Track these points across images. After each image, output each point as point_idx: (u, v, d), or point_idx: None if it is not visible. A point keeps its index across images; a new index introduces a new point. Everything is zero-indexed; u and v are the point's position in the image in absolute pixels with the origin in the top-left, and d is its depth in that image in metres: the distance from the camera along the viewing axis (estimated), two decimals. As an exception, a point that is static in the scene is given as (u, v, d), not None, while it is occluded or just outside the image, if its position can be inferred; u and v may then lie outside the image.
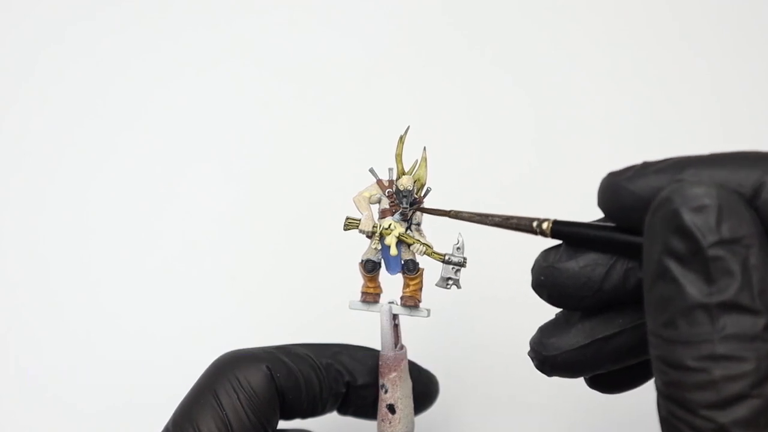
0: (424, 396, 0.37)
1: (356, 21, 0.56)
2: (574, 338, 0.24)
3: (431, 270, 0.33)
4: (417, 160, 0.32)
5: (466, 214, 0.29)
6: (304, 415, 0.33)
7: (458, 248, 0.32)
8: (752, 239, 0.19)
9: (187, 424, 0.29)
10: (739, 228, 0.19)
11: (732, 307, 0.18)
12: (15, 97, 0.55)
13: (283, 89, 0.54)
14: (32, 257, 0.51)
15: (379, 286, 0.34)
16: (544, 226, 0.25)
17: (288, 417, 0.33)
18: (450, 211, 0.30)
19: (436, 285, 0.33)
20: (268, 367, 0.31)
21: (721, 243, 0.19)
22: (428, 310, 0.33)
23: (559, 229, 0.24)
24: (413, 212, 0.33)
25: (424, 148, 0.32)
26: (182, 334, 0.48)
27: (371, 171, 0.33)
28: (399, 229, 0.32)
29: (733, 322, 0.18)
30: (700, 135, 0.51)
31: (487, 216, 0.27)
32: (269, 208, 0.51)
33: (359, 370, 0.34)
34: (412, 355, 0.35)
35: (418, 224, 0.33)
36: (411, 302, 0.33)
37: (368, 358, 0.34)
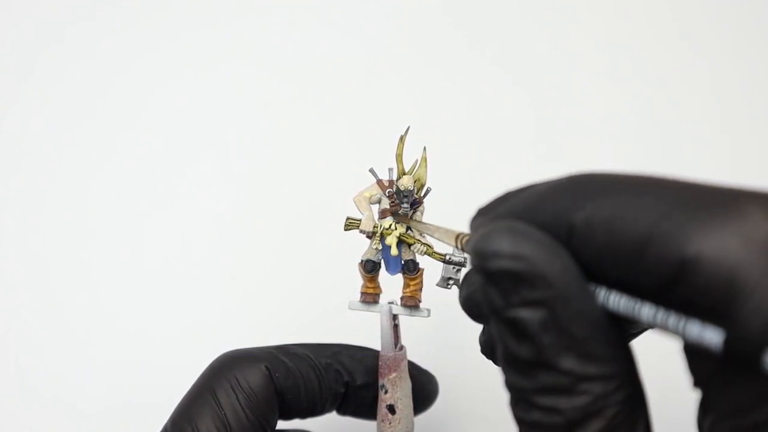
0: (424, 396, 0.36)
1: (356, 21, 0.56)
2: None
3: (431, 270, 0.33)
4: (417, 160, 0.32)
5: (422, 226, 0.30)
6: (303, 415, 0.33)
7: (458, 248, 0.32)
8: (554, 297, 0.18)
9: (185, 424, 0.29)
10: (536, 289, 0.18)
11: (540, 364, 0.18)
12: (15, 97, 0.55)
13: (283, 89, 0.54)
14: (32, 257, 0.51)
15: (378, 287, 0.34)
16: (464, 240, 0.25)
17: (287, 417, 0.33)
18: (411, 219, 0.32)
19: (437, 285, 0.33)
20: (267, 366, 0.31)
21: (515, 306, 0.18)
22: (428, 311, 0.33)
23: (467, 247, 0.25)
24: (413, 212, 0.33)
25: (424, 148, 0.32)
26: (182, 334, 0.48)
27: (371, 171, 0.33)
28: (400, 229, 0.32)
29: (544, 377, 0.18)
30: (700, 135, 0.51)
31: (436, 229, 0.28)
32: (269, 208, 0.51)
33: (358, 370, 0.34)
34: (412, 356, 0.35)
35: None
36: (411, 302, 0.33)
37: (367, 358, 0.34)
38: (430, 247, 0.32)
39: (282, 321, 0.48)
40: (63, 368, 0.48)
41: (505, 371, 0.19)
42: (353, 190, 0.33)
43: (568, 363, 0.18)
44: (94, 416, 0.46)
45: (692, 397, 0.19)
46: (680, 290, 0.16)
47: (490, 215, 0.22)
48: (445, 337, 0.46)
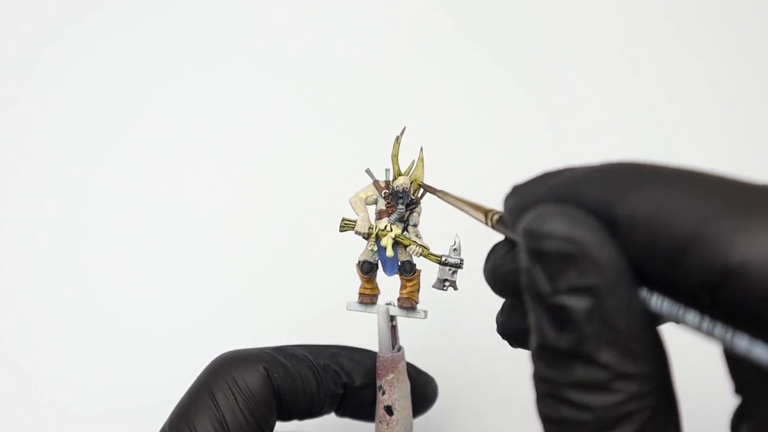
0: (424, 398, 0.36)
1: (356, 21, 0.56)
2: (521, 321, 0.24)
3: (429, 271, 0.33)
4: (414, 161, 0.32)
5: (450, 197, 0.29)
6: (302, 416, 0.33)
7: (455, 250, 0.32)
8: (603, 286, 0.17)
9: (183, 425, 0.29)
10: (586, 275, 0.17)
11: (577, 355, 0.18)
12: (15, 97, 0.55)
13: (283, 90, 0.54)
14: (30, 259, 0.51)
15: (376, 287, 0.34)
16: (495, 218, 0.24)
17: (285, 418, 0.33)
18: (439, 190, 0.31)
19: (433, 286, 0.32)
20: (265, 367, 0.31)
21: (562, 292, 0.18)
22: (425, 312, 0.33)
23: (497, 225, 0.24)
24: (410, 213, 0.32)
25: (421, 149, 0.32)
26: (180, 334, 0.48)
27: (368, 172, 0.33)
28: (396, 230, 0.32)
29: (580, 370, 0.18)
30: (702, 134, 0.51)
31: (465, 203, 0.27)
32: (269, 208, 0.51)
33: (357, 371, 0.34)
34: (411, 357, 0.35)
35: (415, 225, 0.33)
36: (407, 304, 0.33)
37: (366, 359, 0.34)
38: (425, 248, 0.32)
39: (281, 321, 0.48)
40: (62, 369, 0.48)
41: (537, 362, 0.19)
42: (352, 190, 0.33)
43: (608, 357, 0.17)
44: (93, 417, 0.46)
45: (719, 402, 0.19)
46: (724, 297, 0.16)
47: (526, 195, 0.21)
48: (444, 338, 0.46)
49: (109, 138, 0.54)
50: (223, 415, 0.29)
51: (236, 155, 0.53)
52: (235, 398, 0.30)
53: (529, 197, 0.21)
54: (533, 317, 0.19)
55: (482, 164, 0.51)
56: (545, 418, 0.19)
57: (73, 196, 0.52)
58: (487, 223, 0.25)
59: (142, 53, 0.56)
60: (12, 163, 0.54)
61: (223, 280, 0.50)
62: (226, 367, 0.31)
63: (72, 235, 0.51)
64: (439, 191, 0.31)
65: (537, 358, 0.19)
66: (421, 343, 0.45)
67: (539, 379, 0.19)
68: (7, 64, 0.56)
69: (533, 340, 0.19)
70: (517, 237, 0.20)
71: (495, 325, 0.26)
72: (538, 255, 0.18)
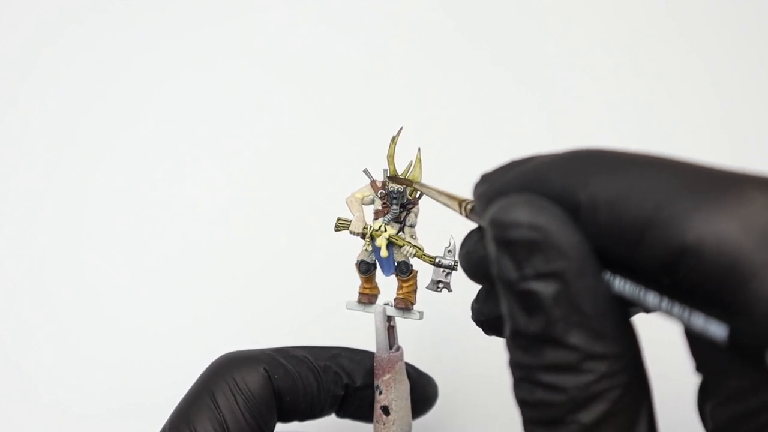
0: (424, 399, 0.36)
1: (356, 21, 0.56)
2: (494, 307, 0.24)
3: (427, 272, 0.33)
4: (412, 161, 0.32)
5: (426, 188, 0.30)
6: (302, 418, 0.33)
7: (449, 251, 0.32)
8: (568, 270, 0.18)
9: (183, 426, 0.29)
10: (551, 260, 0.18)
11: (548, 339, 0.18)
12: (15, 97, 0.55)
13: (283, 90, 0.54)
14: (30, 259, 0.51)
15: (375, 287, 0.34)
16: (468, 207, 0.25)
17: (286, 419, 0.33)
18: (414, 181, 0.31)
19: (427, 288, 0.32)
20: (265, 369, 0.31)
21: (529, 278, 0.18)
22: (420, 313, 0.33)
23: (471, 214, 0.25)
24: (406, 214, 0.32)
25: (419, 149, 0.32)
26: (180, 335, 0.48)
27: (365, 172, 0.33)
28: (390, 230, 0.32)
29: (551, 353, 0.18)
30: (702, 134, 0.51)
31: (440, 193, 0.28)
32: (269, 208, 0.51)
33: (358, 372, 0.34)
34: (412, 358, 0.35)
35: (412, 226, 0.33)
36: (402, 304, 0.33)
37: (367, 360, 0.34)
38: (419, 249, 0.32)
39: (281, 321, 0.48)
40: (62, 369, 0.48)
41: (511, 349, 0.19)
42: (352, 190, 0.33)
43: (576, 339, 0.18)
44: (93, 417, 0.46)
45: (691, 382, 0.19)
46: (681, 276, 0.16)
47: (494, 183, 0.22)
48: (444, 338, 0.46)
49: (109, 138, 0.54)
50: (223, 416, 0.29)
51: (236, 155, 0.53)
52: (236, 399, 0.30)
53: (497, 184, 0.21)
54: (505, 305, 0.19)
55: (482, 164, 0.51)
56: (522, 402, 0.19)
57: (73, 196, 0.52)
58: (461, 213, 0.26)
59: (142, 53, 0.56)
60: (12, 163, 0.54)
61: (223, 280, 0.50)
62: (227, 368, 0.31)
63: (72, 235, 0.51)
64: (414, 182, 0.31)
65: (511, 345, 0.19)
66: (421, 344, 0.45)
67: (514, 365, 0.19)
68: (7, 64, 0.56)
69: (506, 327, 0.19)
70: (486, 234, 0.20)
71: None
72: (505, 244, 0.19)
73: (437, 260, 0.32)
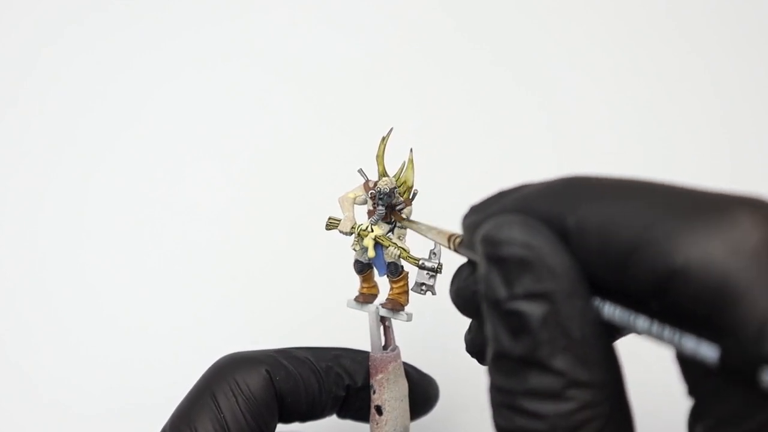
0: (425, 399, 0.36)
1: (356, 21, 0.55)
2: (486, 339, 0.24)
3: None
4: (404, 162, 0.32)
5: (415, 226, 0.30)
6: (304, 419, 0.33)
7: (434, 254, 0.32)
8: (558, 292, 0.18)
9: (184, 427, 0.29)
10: (542, 280, 0.18)
11: (532, 362, 0.18)
12: (15, 97, 0.55)
13: (283, 90, 0.54)
14: (30, 259, 0.51)
15: (374, 287, 0.34)
16: (456, 241, 0.25)
17: (287, 420, 0.33)
18: (406, 219, 0.32)
19: (412, 290, 0.32)
20: (267, 370, 0.31)
21: (518, 297, 0.18)
22: (409, 314, 0.33)
23: (459, 248, 0.25)
24: (397, 214, 0.32)
25: (411, 150, 0.32)
26: (180, 335, 0.48)
27: (360, 172, 0.33)
28: (377, 231, 0.32)
29: (535, 378, 0.18)
30: (702, 134, 0.51)
31: (429, 229, 0.28)
32: (269, 208, 0.51)
33: (359, 372, 0.34)
34: (412, 358, 0.35)
35: (402, 227, 0.33)
36: (390, 305, 0.33)
37: (368, 360, 0.34)
38: (404, 250, 0.32)
39: (281, 321, 0.48)
40: (62, 369, 0.48)
41: (493, 372, 0.19)
42: (347, 190, 0.33)
43: (562, 363, 0.18)
44: (93, 417, 0.46)
45: (675, 407, 0.19)
46: (670, 299, 0.16)
47: (482, 213, 0.21)
48: (443, 339, 0.46)
49: (109, 138, 0.54)
50: (224, 416, 0.29)
51: (236, 155, 0.53)
52: (237, 400, 0.30)
53: (486, 214, 0.21)
54: (490, 326, 0.19)
55: (482, 164, 0.51)
56: (500, 429, 0.19)
57: (73, 196, 0.52)
58: (449, 247, 0.26)
59: (142, 53, 0.56)
60: (12, 163, 0.54)
61: (223, 280, 0.50)
62: (228, 369, 0.31)
63: (72, 235, 0.51)
64: (406, 221, 0.32)
65: (493, 368, 0.19)
66: (422, 344, 0.45)
67: (495, 390, 0.19)
68: (7, 64, 0.56)
69: (490, 349, 0.19)
70: (477, 253, 0.20)
71: None
72: (495, 261, 0.19)
73: (421, 262, 0.31)
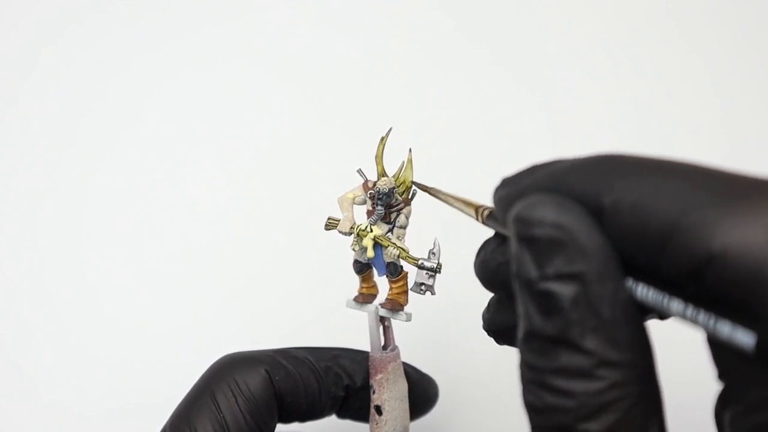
0: (425, 399, 0.36)
1: (356, 21, 0.55)
2: (507, 317, 0.24)
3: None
4: (403, 162, 0.32)
5: (442, 195, 0.30)
6: (303, 419, 0.33)
7: (433, 253, 0.32)
8: (590, 273, 0.18)
9: (184, 426, 0.29)
10: (573, 262, 0.18)
11: (562, 342, 0.18)
12: (15, 97, 0.55)
13: (283, 90, 0.54)
14: (30, 259, 0.51)
15: (373, 287, 0.34)
16: (485, 214, 0.25)
17: (287, 420, 0.33)
18: (430, 187, 0.31)
19: (411, 290, 0.32)
20: (266, 370, 0.31)
21: (549, 278, 0.18)
22: (408, 315, 0.33)
23: (487, 220, 0.25)
24: (397, 215, 0.32)
25: (410, 150, 0.32)
26: (180, 335, 0.48)
27: (359, 172, 0.33)
28: (377, 231, 0.32)
29: (565, 357, 0.18)
30: (702, 134, 0.51)
31: (456, 199, 0.28)
32: (269, 208, 0.51)
33: (359, 372, 0.34)
34: (413, 358, 0.35)
35: (402, 227, 0.33)
36: (389, 305, 0.33)
37: (368, 361, 0.34)
38: (404, 251, 0.32)
39: (281, 321, 0.48)
40: (62, 369, 0.48)
41: (524, 350, 0.19)
42: (346, 190, 0.33)
43: (592, 343, 0.18)
44: (93, 417, 0.46)
45: (702, 391, 0.19)
46: (707, 283, 0.16)
47: (515, 187, 0.21)
48: (443, 339, 0.46)
49: (109, 138, 0.54)
50: (223, 416, 0.29)
51: (236, 155, 0.53)
52: (236, 400, 0.30)
53: (518, 188, 0.21)
54: (521, 304, 0.19)
55: (482, 164, 0.51)
56: (529, 406, 0.19)
57: (73, 196, 0.52)
58: (477, 219, 0.25)
59: (142, 53, 0.56)
60: (12, 163, 0.54)
61: (223, 280, 0.50)
62: (228, 369, 0.31)
63: (72, 235, 0.51)
64: (431, 188, 0.31)
65: (524, 346, 0.19)
66: (422, 344, 0.45)
67: (525, 367, 0.19)
68: (7, 64, 0.56)
69: (520, 327, 0.19)
70: (507, 229, 0.20)
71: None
72: (527, 241, 0.19)
73: (420, 262, 0.31)
